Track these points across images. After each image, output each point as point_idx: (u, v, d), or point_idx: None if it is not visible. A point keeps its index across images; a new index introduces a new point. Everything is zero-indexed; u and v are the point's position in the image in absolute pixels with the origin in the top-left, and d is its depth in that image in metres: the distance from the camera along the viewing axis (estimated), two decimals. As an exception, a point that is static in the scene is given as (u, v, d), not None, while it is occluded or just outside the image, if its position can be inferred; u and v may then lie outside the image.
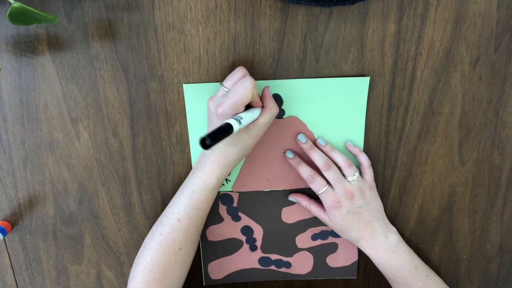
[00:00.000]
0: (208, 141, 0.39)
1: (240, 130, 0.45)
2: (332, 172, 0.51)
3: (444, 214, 0.59)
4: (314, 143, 0.54)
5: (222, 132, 0.41)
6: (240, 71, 0.47)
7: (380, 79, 0.52)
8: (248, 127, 0.47)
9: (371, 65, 0.51)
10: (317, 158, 0.52)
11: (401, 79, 0.51)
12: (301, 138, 0.53)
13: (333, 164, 0.52)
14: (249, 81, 0.45)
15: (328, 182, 0.52)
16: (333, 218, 0.53)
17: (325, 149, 0.53)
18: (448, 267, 0.62)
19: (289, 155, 0.54)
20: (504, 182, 0.56)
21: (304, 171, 0.52)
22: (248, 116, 0.46)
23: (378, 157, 0.56)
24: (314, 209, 0.55)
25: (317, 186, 0.52)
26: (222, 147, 0.48)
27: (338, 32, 0.49)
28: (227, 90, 0.47)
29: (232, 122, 0.42)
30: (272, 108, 0.48)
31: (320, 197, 0.52)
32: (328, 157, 0.53)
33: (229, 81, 0.47)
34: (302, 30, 0.49)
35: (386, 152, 0.55)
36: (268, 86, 0.50)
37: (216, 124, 0.45)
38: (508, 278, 0.62)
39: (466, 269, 0.62)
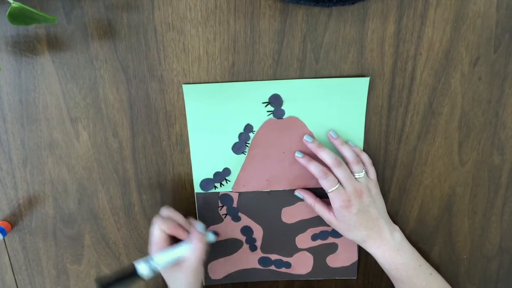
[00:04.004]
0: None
1: (172, 268, 0.49)
2: (343, 170, 0.51)
3: (444, 214, 0.59)
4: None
5: (128, 275, 0.45)
6: (161, 212, 0.52)
7: (380, 80, 0.52)
8: (180, 264, 0.49)
9: (370, 65, 0.51)
10: (327, 155, 0.51)
11: (401, 79, 0.51)
12: (308, 138, 0.53)
13: (343, 161, 0.52)
14: (155, 220, 0.50)
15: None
16: (342, 218, 0.52)
17: (336, 142, 0.53)
18: (448, 267, 0.62)
19: (298, 154, 0.54)
20: (504, 183, 0.56)
21: (315, 167, 0.52)
22: (169, 254, 0.48)
23: (378, 157, 0.56)
24: (319, 208, 0.54)
25: (329, 182, 0.51)
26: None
27: (338, 33, 0.49)
28: None
29: (140, 264, 0.45)
30: (195, 243, 0.49)
31: (330, 195, 0.51)
32: (338, 150, 0.53)
33: None
34: (301, 31, 0.49)
35: (386, 152, 0.55)
36: (199, 222, 0.52)
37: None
38: (508, 278, 0.62)
39: (466, 269, 0.62)
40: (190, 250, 0.49)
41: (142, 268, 0.47)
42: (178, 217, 0.52)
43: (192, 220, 0.53)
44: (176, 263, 0.49)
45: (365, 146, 0.55)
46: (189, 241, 0.50)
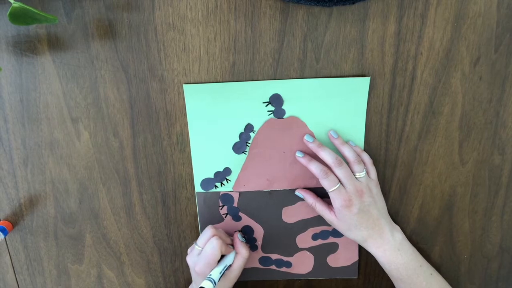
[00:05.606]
0: None
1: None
2: (344, 169, 0.51)
3: (445, 214, 0.59)
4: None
5: None
6: (209, 231, 0.54)
7: (380, 79, 0.52)
8: (224, 273, 0.53)
9: (371, 65, 0.51)
10: (327, 155, 0.51)
11: (401, 79, 0.51)
12: (308, 138, 0.53)
13: (343, 161, 0.52)
14: (215, 242, 0.52)
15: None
16: (343, 217, 0.52)
17: (336, 142, 0.53)
18: (449, 267, 0.62)
19: (299, 154, 0.54)
20: (504, 182, 0.56)
21: (316, 167, 0.52)
22: (221, 268, 0.52)
23: (379, 157, 0.56)
24: (320, 207, 0.54)
25: (330, 182, 0.51)
26: None
27: (338, 32, 0.49)
28: (200, 248, 0.53)
29: (207, 284, 0.49)
30: (242, 253, 0.55)
31: (331, 195, 0.52)
32: (338, 150, 0.53)
33: (201, 240, 0.54)
34: (302, 30, 0.49)
35: (387, 152, 0.55)
36: (237, 232, 0.57)
37: (196, 278, 0.54)
38: (509, 278, 0.62)
39: (467, 269, 0.62)
40: (238, 258, 0.54)
41: (209, 287, 0.49)
42: (223, 234, 0.56)
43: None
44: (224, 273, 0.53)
45: (366, 145, 0.55)
46: (237, 250, 0.55)
